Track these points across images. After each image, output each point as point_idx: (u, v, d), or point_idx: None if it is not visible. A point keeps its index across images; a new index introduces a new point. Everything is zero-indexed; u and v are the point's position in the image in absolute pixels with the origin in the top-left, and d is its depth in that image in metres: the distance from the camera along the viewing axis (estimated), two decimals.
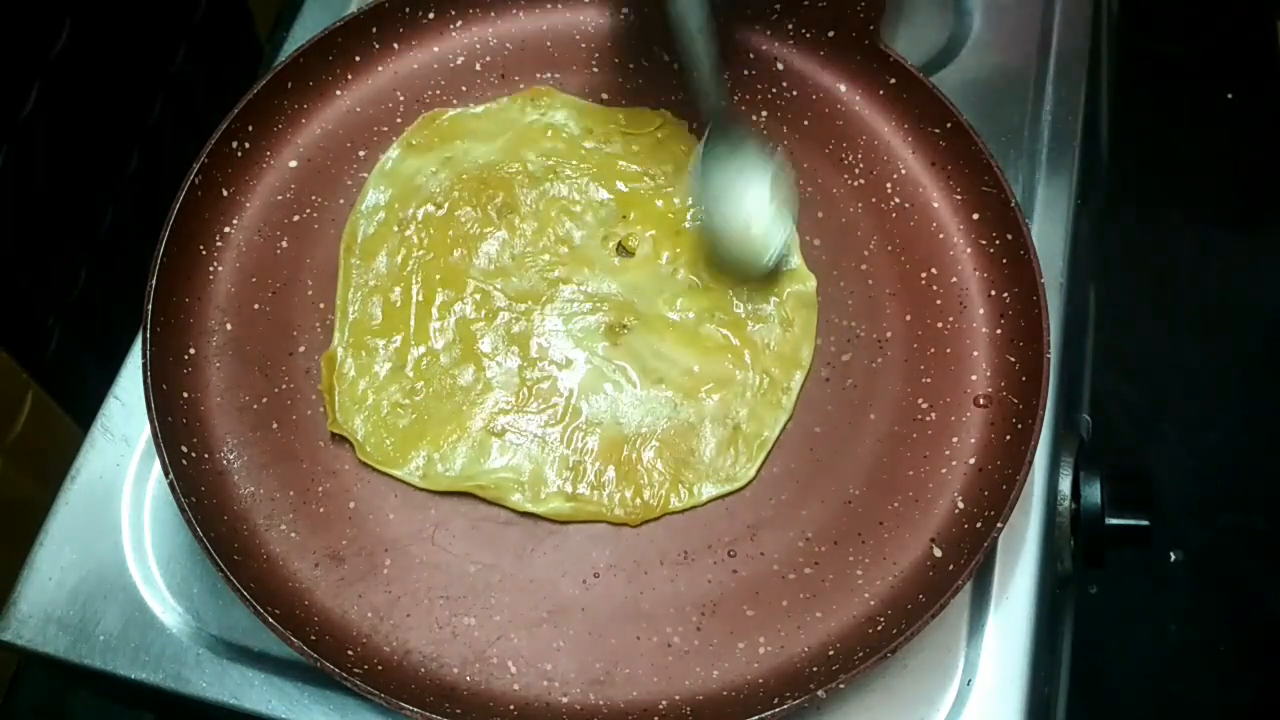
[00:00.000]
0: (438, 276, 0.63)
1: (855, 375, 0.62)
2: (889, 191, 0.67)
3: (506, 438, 0.60)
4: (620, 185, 0.66)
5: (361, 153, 0.68)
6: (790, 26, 0.69)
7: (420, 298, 0.63)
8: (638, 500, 0.59)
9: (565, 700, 0.54)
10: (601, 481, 0.59)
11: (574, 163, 0.67)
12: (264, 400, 0.61)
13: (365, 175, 0.67)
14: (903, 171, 0.67)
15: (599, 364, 0.62)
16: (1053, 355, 0.58)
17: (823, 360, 0.63)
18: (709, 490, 0.59)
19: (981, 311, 0.63)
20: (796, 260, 0.65)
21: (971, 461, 0.59)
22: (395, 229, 0.65)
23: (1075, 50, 0.75)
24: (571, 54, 0.71)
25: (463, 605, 0.56)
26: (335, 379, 0.61)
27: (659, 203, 0.66)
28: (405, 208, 0.65)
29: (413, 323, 0.62)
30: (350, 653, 0.54)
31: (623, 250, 0.65)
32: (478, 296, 0.63)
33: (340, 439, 0.60)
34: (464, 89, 0.70)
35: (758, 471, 0.60)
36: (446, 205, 0.65)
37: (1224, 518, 1.17)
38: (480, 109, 0.69)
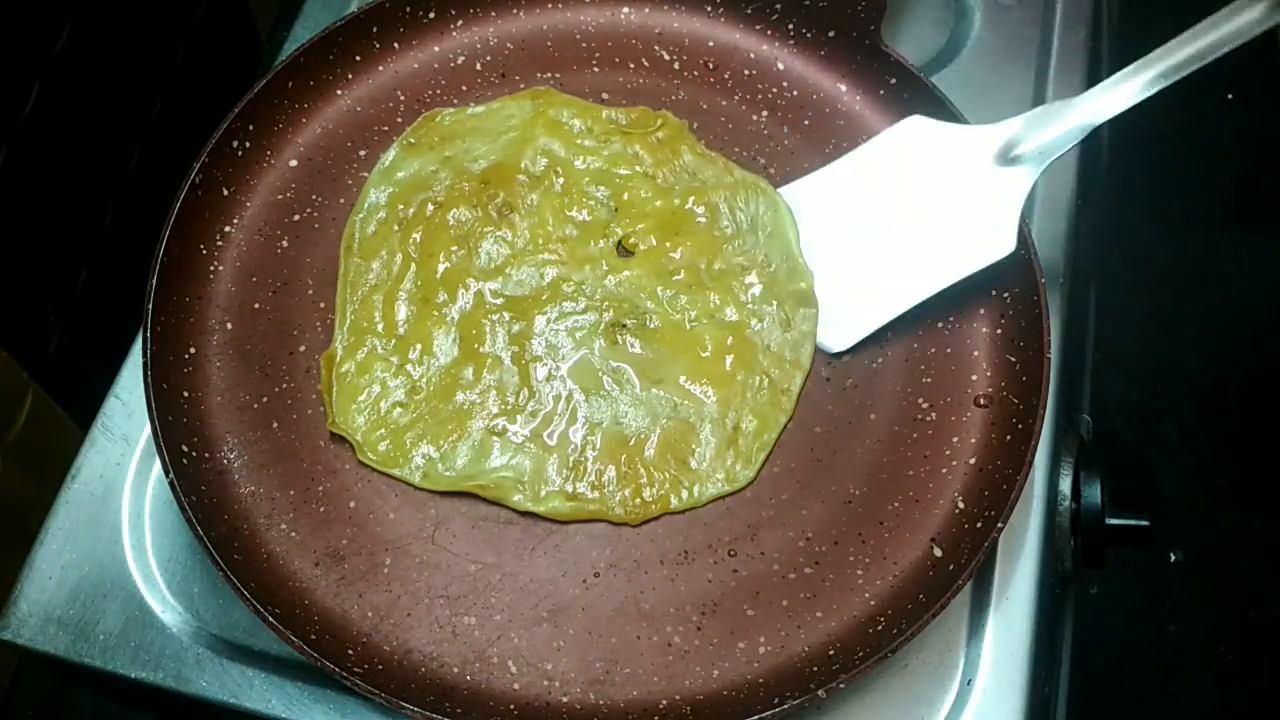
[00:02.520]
0: (438, 276, 0.63)
1: (855, 375, 0.62)
2: None
3: (507, 437, 0.60)
4: (620, 185, 0.66)
5: (362, 152, 0.68)
6: (790, 26, 0.70)
7: (420, 297, 0.63)
8: (638, 500, 0.59)
9: (565, 700, 0.54)
10: (602, 481, 0.59)
11: (574, 162, 0.67)
12: (264, 399, 0.61)
13: (365, 175, 0.67)
14: None
15: (598, 364, 0.61)
16: (1053, 355, 0.58)
17: (823, 360, 0.63)
18: (709, 490, 0.59)
19: (981, 311, 0.63)
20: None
21: (972, 461, 0.59)
22: (395, 228, 0.65)
23: (1075, 50, 0.75)
24: (571, 54, 0.71)
25: (463, 605, 0.56)
26: (335, 378, 0.61)
27: (659, 202, 0.66)
28: (406, 207, 0.65)
29: (413, 322, 0.62)
30: (350, 652, 0.54)
31: (622, 250, 0.65)
32: (478, 296, 0.63)
33: (341, 438, 0.60)
34: (464, 89, 0.70)
35: (758, 471, 0.60)
36: (446, 205, 0.65)
37: (1224, 518, 1.17)
38: (480, 108, 0.69)
